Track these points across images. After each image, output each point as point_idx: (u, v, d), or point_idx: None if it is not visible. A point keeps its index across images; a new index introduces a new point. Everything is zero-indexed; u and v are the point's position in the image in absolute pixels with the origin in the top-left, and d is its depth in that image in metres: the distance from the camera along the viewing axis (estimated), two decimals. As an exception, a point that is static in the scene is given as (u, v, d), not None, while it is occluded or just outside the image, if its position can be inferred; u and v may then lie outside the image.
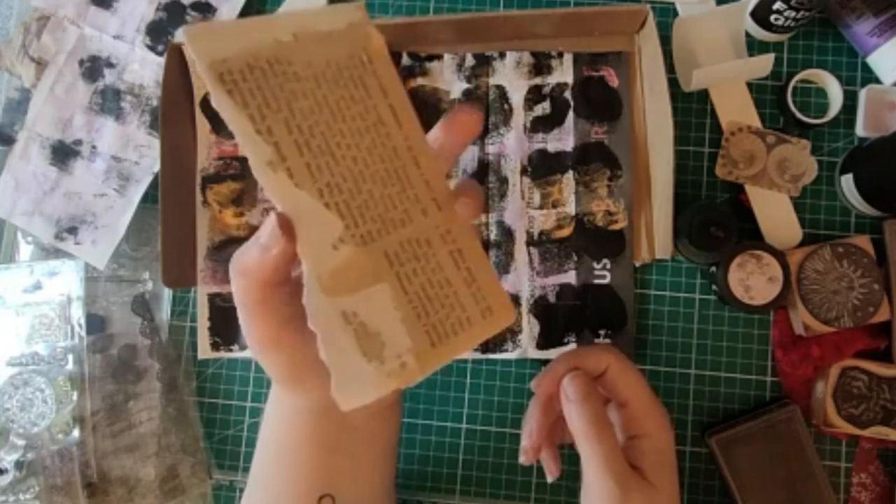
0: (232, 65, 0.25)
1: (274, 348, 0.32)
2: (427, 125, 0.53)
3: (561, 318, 0.51)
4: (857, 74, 0.53)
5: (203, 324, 0.52)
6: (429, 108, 0.52)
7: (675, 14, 0.54)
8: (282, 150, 0.26)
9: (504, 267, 0.51)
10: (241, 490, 0.53)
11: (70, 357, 0.51)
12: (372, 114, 0.28)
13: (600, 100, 0.51)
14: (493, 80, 0.52)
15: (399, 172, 0.29)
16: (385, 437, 0.40)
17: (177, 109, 0.51)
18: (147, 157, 0.55)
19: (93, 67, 0.56)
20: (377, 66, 0.28)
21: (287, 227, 0.26)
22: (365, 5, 0.28)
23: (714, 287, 0.50)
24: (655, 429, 0.38)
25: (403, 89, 0.29)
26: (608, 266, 0.51)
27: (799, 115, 0.50)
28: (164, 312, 0.55)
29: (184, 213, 0.52)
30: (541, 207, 0.51)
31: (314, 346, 0.26)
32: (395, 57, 0.52)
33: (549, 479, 0.41)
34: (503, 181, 0.51)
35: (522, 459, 0.40)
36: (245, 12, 0.56)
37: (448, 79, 0.52)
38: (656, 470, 0.36)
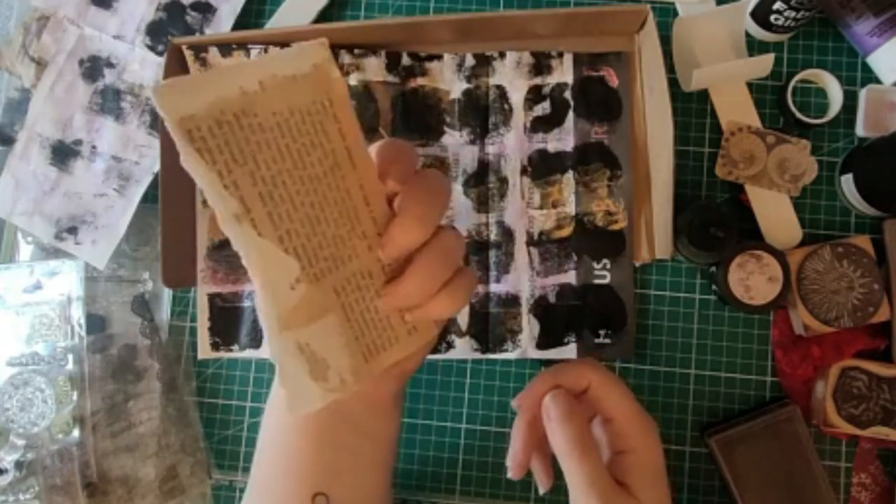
0: (200, 121, 0.26)
1: None
2: (427, 125, 0.54)
3: (561, 318, 0.51)
4: (857, 74, 0.53)
5: (203, 324, 0.52)
6: (429, 108, 0.52)
7: (675, 14, 0.54)
8: (246, 202, 0.27)
9: (504, 267, 0.51)
10: (242, 490, 0.53)
11: (70, 357, 0.51)
12: (330, 158, 0.29)
13: (600, 100, 0.51)
14: (493, 80, 0.52)
15: (350, 213, 0.31)
16: (385, 436, 0.40)
17: (177, 109, 0.51)
18: (147, 157, 0.55)
19: (93, 67, 0.56)
20: (337, 109, 0.29)
21: None
22: (326, 43, 0.29)
23: (714, 287, 0.50)
24: (642, 444, 0.37)
25: (358, 128, 0.30)
26: (608, 266, 0.51)
27: (799, 115, 0.50)
28: (164, 312, 0.55)
29: (184, 213, 0.52)
30: (541, 207, 0.51)
31: None
32: (395, 57, 0.52)
33: (541, 490, 0.41)
34: (503, 181, 0.51)
35: (510, 475, 0.40)
36: (245, 12, 0.56)
37: (448, 79, 0.52)
38: (644, 486, 0.36)
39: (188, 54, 0.51)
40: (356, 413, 0.37)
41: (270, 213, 0.28)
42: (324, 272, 0.30)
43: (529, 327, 0.50)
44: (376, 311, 0.32)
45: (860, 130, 0.51)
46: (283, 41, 0.51)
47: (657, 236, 0.50)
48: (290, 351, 0.30)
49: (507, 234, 0.51)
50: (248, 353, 0.52)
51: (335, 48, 0.51)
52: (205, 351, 0.52)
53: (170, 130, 0.25)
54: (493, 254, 0.51)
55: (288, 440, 0.37)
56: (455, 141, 0.52)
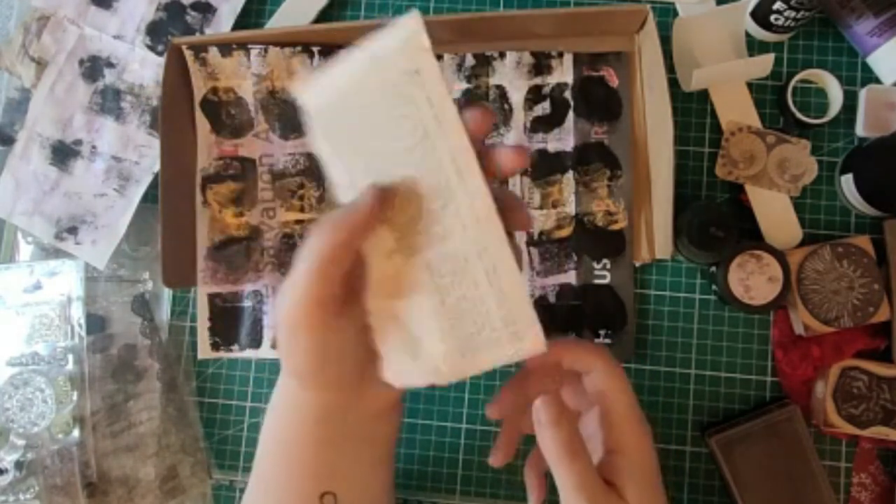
0: (328, 110, 0.31)
1: (306, 330, 0.32)
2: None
3: (561, 318, 0.51)
4: (857, 74, 0.53)
5: (203, 324, 0.52)
6: (429, 108, 0.52)
7: (675, 14, 0.54)
8: (352, 174, 0.31)
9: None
10: (241, 490, 0.53)
11: (70, 357, 0.51)
12: (420, 129, 0.30)
13: (600, 100, 0.51)
14: (493, 80, 0.52)
15: (442, 186, 0.30)
16: (386, 439, 0.40)
17: (177, 109, 0.51)
18: (147, 157, 0.55)
19: (93, 67, 0.56)
20: (426, 78, 0.30)
21: (381, 195, 0.30)
22: (419, 15, 0.30)
23: (714, 287, 0.50)
24: (634, 445, 0.36)
25: (449, 97, 0.30)
26: (608, 266, 0.51)
27: (799, 115, 0.50)
28: (164, 312, 0.55)
29: (184, 213, 0.52)
30: (541, 207, 0.51)
31: (339, 340, 0.32)
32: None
33: (489, 412, 0.41)
34: (503, 181, 0.51)
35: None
36: (245, 12, 0.56)
37: (448, 79, 0.52)
38: (635, 488, 0.36)
39: (188, 54, 0.51)
40: (353, 422, 0.37)
41: (373, 185, 0.31)
42: (419, 247, 0.31)
43: (529, 327, 0.50)
44: (473, 304, 0.31)
45: (860, 130, 0.51)
46: (283, 41, 0.51)
47: (657, 236, 0.50)
48: (384, 321, 0.32)
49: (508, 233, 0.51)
50: (248, 353, 0.52)
51: (335, 48, 0.51)
52: (205, 351, 0.52)
53: (309, 119, 0.31)
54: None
55: (290, 442, 0.37)
56: (455, 141, 0.52)
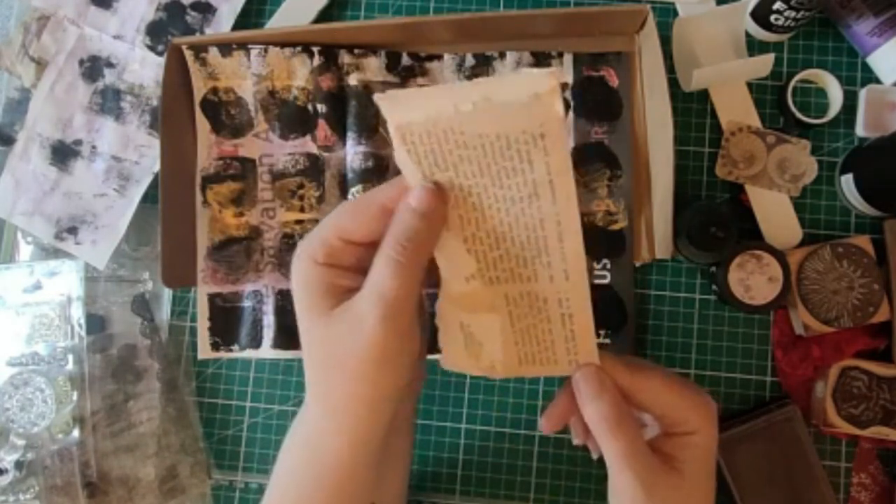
0: (414, 128, 0.29)
1: (408, 335, 0.33)
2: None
3: (561, 318, 0.51)
4: (857, 74, 0.53)
5: (203, 324, 0.52)
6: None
7: (675, 14, 0.54)
8: None
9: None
10: (242, 490, 0.53)
11: (70, 357, 0.51)
12: (529, 187, 0.30)
13: (600, 100, 0.51)
14: (493, 80, 0.52)
15: (540, 241, 0.31)
16: (403, 454, 0.41)
17: (177, 109, 0.51)
18: (147, 157, 0.55)
19: (93, 67, 0.56)
20: (548, 142, 0.29)
21: (436, 195, 0.31)
22: (558, 75, 0.29)
23: (714, 287, 0.50)
24: (698, 426, 0.35)
25: (569, 167, 0.30)
26: (608, 266, 0.51)
27: (799, 115, 0.50)
28: (164, 312, 0.55)
29: (184, 213, 0.52)
30: (541, 207, 0.51)
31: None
32: (396, 57, 0.52)
33: (575, 442, 0.40)
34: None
35: (541, 427, 0.39)
36: (245, 12, 0.56)
37: (448, 79, 0.52)
38: (695, 465, 0.35)
39: (188, 54, 0.51)
40: (404, 415, 0.37)
41: (461, 216, 0.31)
42: (500, 280, 0.33)
43: (529, 327, 0.50)
44: (542, 334, 0.34)
45: (860, 130, 0.51)
46: (283, 41, 0.51)
47: (657, 236, 0.50)
48: (451, 322, 0.34)
49: None
50: (248, 353, 0.52)
51: (335, 48, 0.51)
52: (205, 351, 0.52)
53: (390, 131, 0.30)
54: (493, 254, 0.51)
55: (326, 466, 0.35)
56: (455, 141, 0.52)
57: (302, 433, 0.36)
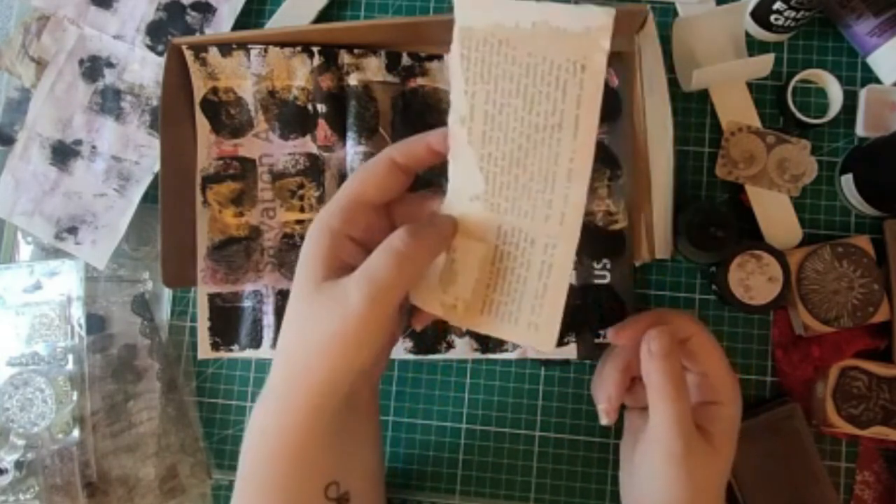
0: (473, 34, 0.31)
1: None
2: (427, 125, 0.53)
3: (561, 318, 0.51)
4: (857, 74, 0.53)
5: (203, 324, 0.52)
6: (429, 108, 0.52)
7: (675, 14, 0.54)
8: (473, 112, 0.32)
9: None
10: (241, 490, 0.53)
11: (70, 357, 0.51)
12: (556, 116, 0.31)
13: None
14: (493, 80, 0.52)
15: (549, 175, 0.32)
16: (377, 414, 0.41)
17: (177, 109, 0.51)
18: (147, 157, 0.55)
19: (93, 67, 0.56)
20: (587, 77, 0.30)
21: (449, 232, 0.34)
22: (613, 14, 0.30)
23: (714, 287, 0.50)
24: (730, 398, 0.38)
25: (597, 109, 0.31)
26: (608, 266, 0.51)
27: (799, 115, 0.50)
28: (164, 312, 0.55)
29: (184, 213, 0.52)
30: (541, 207, 0.51)
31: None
32: (395, 57, 0.52)
33: (604, 422, 0.41)
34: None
35: (605, 421, 0.41)
36: (245, 12, 0.56)
37: (448, 79, 0.52)
38: (723, 436, 0.37)
39: (188, 54, 0.51)
40: (364, 398, 0.37)
41: (485, 132, 0.32)
42: (500, 209, 0.33)
43: (529, 327, 0.50)
44: (515, 281, 0.34)
45: (860, 130, 0.51)
46: (283, 41, 0.51)
47: (657, 236, 0.50)
48: None
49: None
50: (248, 353, 0.52)
51: (335, 48, 0.51)
52: (205, 351, 0.52)
53: (454, 31, 0.31)
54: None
55: (293, 437, 0.35)
56: (455, 141, 0.52)
57: (256, 414, 0.37)
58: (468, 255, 0.34)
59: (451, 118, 0.33)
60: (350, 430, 0.37)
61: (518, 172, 0.32)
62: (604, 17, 0.30)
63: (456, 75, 0.32)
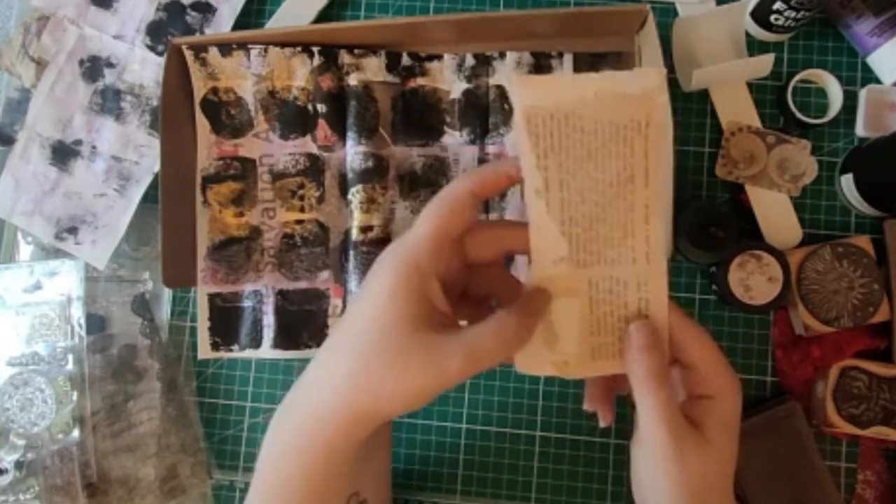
0: (539, 111, 0.33)
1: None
2: (427, 125, 0.54)
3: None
4: (857, 74, 0.53)
5: (203, 324, 0.52)
6: (429, 108, 0.52)
7: (675, 14, 0.54)
8: (549, 183, 0.34)
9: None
10: (242, 490, 0.53)
11: (70, 357, 0.51)
12: (627, 171, 0.33)
13: (600, 100, 0.51)
14: (493, 80, 0.52)
15: (628, 224, 0.34)
16: (388, 441, 0.42)
17: (177, 109, 0.51)
18: (147, 157, 0.55)
19: (93, 67, 0.56)
20: (650, 131, 0.33)
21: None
22: (664, 72, 0.32)
23: (714, 287, 0.50)
24: (724, 393, 0.37)
25: (663, 156, 0.34)
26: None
27: (799, 115, 0.50)
28: (164, 312, 0.55)
29: (184, 213, 0.52)
30: (541, 207, 0.51)
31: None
32: (395, 57, 0.52)
33: (602, 424, 0.41)
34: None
35: (602, 423, 0.40)
36: (245, 12, 0.56)
37: (448, 79, 0.52)
38: (718, 431, 0.36)
39: (188, 54, 0.51)
40: (388, 419, 0.37)
41: (563, 199, 0.34)
42: (586, 262, 0.35)
43: (530, 327, 0.50)
44: (618, 321, 0.36)
45: (860, 130, 0.51)
46: (283, 41, 0.51)
47: (657, 236, 0.50)
48: None
49: None
50: (248, 353, 0.52)
51: (335, 48, 0.51)
52: (205, 351, 0.52)
53: (515, 112, 0.33)
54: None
55: (332, 453, 0.35)
56: (455, 141, 0.52)
57: (289, 424, 0.36)
58: (565, 313, 0.36)
59: (528, 191, 0.34)
60: (367, 452, 0.38)
61: (598, 227, 0.34)
62: (657, 78, 0.32)
63: (524, 151, 0.33)
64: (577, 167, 0.34)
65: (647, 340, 0.36)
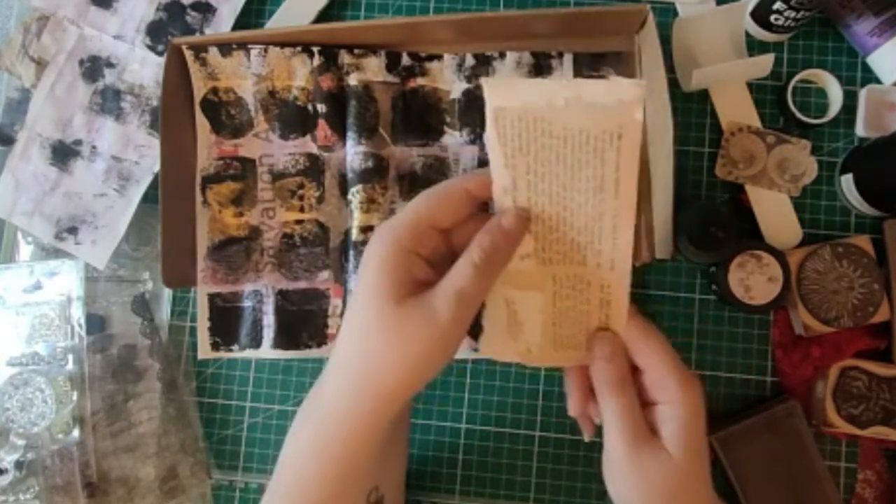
0: (508, 113, 0.33)
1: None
2: (427, 125, 0.54)
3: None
4: (857, 74, 0.53)
5: (203, 324, 0.52)
6: (429, 108, 0.52)
7: (675, 14, 0.54)
8: (516, 182, 0.34)
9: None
10: (242, 490, 0.53)
11: (70, 357, 0.51)
12: (597, 180, 0.33)
13: (600, 100, 0.51)
14: (493, 80, 0.52)
15: (595, 231, 0.35)
16: (406, 438, 0.43)
17: (177, 109, 0.51)
18: (147, 157, 0.55)
19: (93, 67, 0.56)
20: (624, 143, 0.32)
21: (523, 221, 0.35)
22: (644, 86, 0.31)
23: (714, 287, 0.50)
24: (677, 398, 0.36)
25: (635, 170, 0.33)
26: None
27: (799, 115, 0.50)
28: (164, 312, 0.55)
29: (184, 213, 0.52)
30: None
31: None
32: (395, 57, 0.52)
33: (587, 438, 0.41)
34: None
35: (586, 437, 0.41)
36: (245, 12, 0.56)
37: (448, 79, 0.52)
38: (676, 439, 0.35)
39: (188, 54, 0.51)
40: (409, 403, 0.39)
41: (529, 198, 0.34)
42: (551, 261, 0.36)
43: (529, 327, 0.51)
44: (579, 316, 0.37)
45: (860, 130, 0.51)
46: (283, 41, 0.51)
47: (657, 236, 0.50)
48: (498, 299, 0.37)
49: None
50: (248, 353, 0.52)
51: (335, 48, 0.51)
52: (205, 351, 0.52)
53: (486, 112, 0.33)
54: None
55: (353, 445, 0.35)
56: (455, 141, 0.52)
57: (310, 420, 0.37)
58: (528, 306, 0.37)
59: (495, 189, 0.35)
60: (394, 439, 0.38)
61: (565, 230, 0.35)
62: (635, 90, 0.31)
63: (494, 150, 0.34)
64: (546, 170, 0.34)
65: (608, 351, 0.37)
